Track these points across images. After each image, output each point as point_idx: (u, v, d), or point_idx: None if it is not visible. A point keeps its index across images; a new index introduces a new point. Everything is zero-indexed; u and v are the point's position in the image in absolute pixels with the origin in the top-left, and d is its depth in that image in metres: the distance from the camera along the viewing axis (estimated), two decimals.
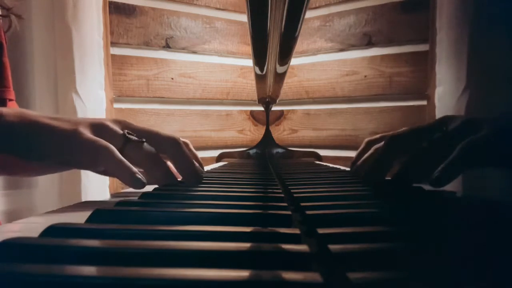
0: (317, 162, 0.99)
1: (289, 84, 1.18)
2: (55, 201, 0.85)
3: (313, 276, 0.12)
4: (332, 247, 0.15)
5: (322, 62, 1.14)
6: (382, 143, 0.40)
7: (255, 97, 0.99)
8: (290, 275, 0.13)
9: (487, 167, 0.35)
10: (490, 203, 0.28)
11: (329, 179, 0.43)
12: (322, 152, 1.08)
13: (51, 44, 0.85)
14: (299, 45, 1.11)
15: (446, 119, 0.38)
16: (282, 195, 0.30)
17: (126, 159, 0.35)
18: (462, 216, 0.23)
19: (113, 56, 0.99)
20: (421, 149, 0.36)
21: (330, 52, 1.12)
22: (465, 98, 0.79)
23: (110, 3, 0.98)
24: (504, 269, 0.13)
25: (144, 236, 0.18)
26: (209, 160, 1.06)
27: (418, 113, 0.98)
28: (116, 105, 1.00)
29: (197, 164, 0.40)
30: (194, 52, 1.11)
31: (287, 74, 0.74)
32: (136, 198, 0.29)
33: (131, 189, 0.40)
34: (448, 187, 0.34)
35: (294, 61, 1.13)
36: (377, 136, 0.51)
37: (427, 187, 0.36)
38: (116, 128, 0.36)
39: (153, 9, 1.05)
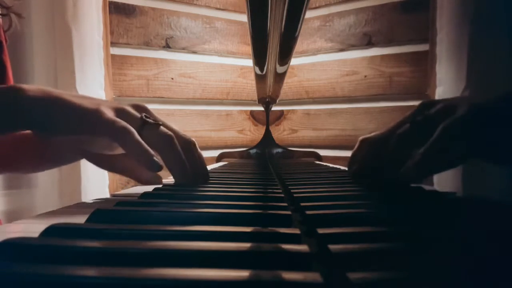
0: (317, 162, 0.99)
1: (289, 84, 1.18)
2: (55, 201, 0.85)
3: (313, 276, 0.12)
4: (332, 247, 0.15)
5: (322, 62, 1.14)
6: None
7: (255, 97, 0.99)
8: (290, 275, 0.13)
9: (468, 157, 0.35)
10: (490, 203, 0.28)
11: (329, 179, 0.43)
12: (322, 152, 1.08)
13: (51, 43, 0.85)
14: (299, 45, 1.11)
15: (425, 105, 0.38)
16: (282, 195, 0.30)
17: (144, 142, 0.35)
18: (462, 216, 0.23)
19: (113, 56, 0.99)
20: (401, 136, 0.36)
21: (330, 52, 1.12)
22: None
23: (110, 3, 0.98)
24: (504, 269, 0.13)
25: (144, 236, 0.18)
26: (209, 160, 1.06)
27: None
28: None
29: (206, 169, 0.40)
30: (194, 52, 1.11)
31: (287, 74, 0.74)
32: (136, 198, 0.29)
33: (131, 189, 0.40)
34: (448, 187, 0.34)
35: (294, 61, 1.13)
36: (372, 134, 0.51)
37: (427, 187, 0.36)
38: (134, 112, 0.36)
39: (153, 9, 1.05)
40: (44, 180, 0.85)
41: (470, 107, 0.32)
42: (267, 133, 1.07)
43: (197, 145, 0.40)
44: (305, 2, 0.41)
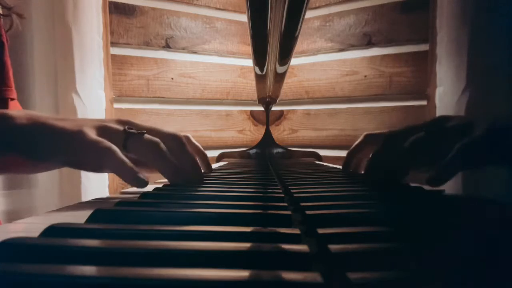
0: (317, 162, 0.99)
1: (289, 84, 1.18)
2: (55, 201, 0.85)
3: (313, 276, 0.12)
4: (332, 247, 0.15)
5: (322, 62, 1.14)
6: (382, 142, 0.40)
7: (255, 97, 0.99)
8: (290, 275, 0.13)
9: (483, 167, 0.35)
10: (490, 203, 0.28)
11: (329, 179, 0.43)
12: (322, 152, 1.08)
13: (51, 44, 0.85)
14: (299, 45, 1.11)
15: (442, 118, 0.38)
16: (282, 195, 0.30)
17: (130, 153, 0.36)
18: (462, 216, 0.23)
19: (113, 56, 0.99)
20: (416, 143, 0.36)
21: (330, 52, 1.12)
22: (465, 98, 0.79)
23: (110, 3, 0.98)
24: (504, 269, 0.13)
25: (144, 236, 0.18)
26: (209, 160, 1.06)
27: (418, 113, 0.98)
28: (116, 105, 1.00)
29: (198, 163, 0.40)
30: (194, 52, 1.11)
31: (287, 74, 0.74)
32: (136, 198, 0.29)
33: (130, 189, 0.40)
34: (449, 187, 0.34)
35: (294, 61, 1.13)
36: (377, 131, 0.51)
37: (427, 187, 0.36)
38: (117, 126, 0.37)
39: (153, 9, 1.05)
40: (44, 180, 0.85)
41: (486, 128, 0.32)
42: (267, 133, 1.07)
43: (190, 138, 0.40)
44: (305, 2, 0.41)
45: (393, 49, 1.02)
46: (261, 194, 0.32)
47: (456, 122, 0.36)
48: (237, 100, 1.18)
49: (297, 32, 0.49)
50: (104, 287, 0.12)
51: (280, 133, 1.21)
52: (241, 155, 1.07)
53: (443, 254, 0.15)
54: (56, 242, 0.16)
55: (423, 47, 0.96)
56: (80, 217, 0.23)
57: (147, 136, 0.36)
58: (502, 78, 0.74)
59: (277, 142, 1.08)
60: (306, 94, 1.17)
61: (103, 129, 0.36)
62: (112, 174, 0.93)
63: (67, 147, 0.34)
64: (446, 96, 0.85)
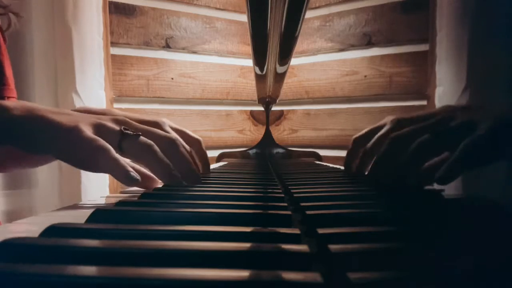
0: (317, 162, 0.99)
1: (289, 84, 1.18)
2: (55, 201, 0.85)
3: (313, 276, 0.12)
4: (332, 247, 0.15)
5: (322, 62, 1.14)
6: (386, 142, 0.40)
7: (255, 97, 0.99)
8: (290, 275, 0.13)
9: (489, 165, 0.35)
10: (490, 203, 0.28)
11: (329, 179, 0.43)
12: (322, 152, 1.08)
13: (51, 44, 0.85)
14: (299, 45, 1.11)
15: (446, 116, 0.38)
16: (282, 195, 0.30)
17: (125, 154, 0.36)
18: (462, 216, 0.23)
19: (113, 56, 0.99)
20: (422, 146, 0.36)
21: (330, 52, 1.12)
22: (465, 98, 0.79)
23: (110, 3, 0.98)
24: (504, 269, 0.13)
25: (144, 236, 0.18)
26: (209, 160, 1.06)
27: None
28: (116, 105, 1.00)
29: (193, 164, 0.40)
30: (194, 52, 1.11)
31: (287, 74, 0.74)
32: (136, 198, 0.29)
33: (130, 189, 0.40)
34: (449, 187, 0.34)
35: (294, 61, 1.13)
36: (363, 132, 0.50)
37: (427, 186, 0.36)
38: (114, 125, 0.37)
39: (153, 9, 1.05)
40: (44, 180, 0.85)
41: (494, 121, 0.32)
42: (267, 133, 1.07)
43: (179, 142, 0.40)
44: (305, 2, 0.41)
45: (393, 49, 1.02)
46: (261, 194, 0.32)
47: (461, 120, 0.36)
48: (237, 100, 1.18)
49: (297, 32, 0.49)
50: (104, 287, 0.12)
51: (280, 133, 1.21)
52: (241, 155, 1.07)
53: (442, 254, 0.15)
54: (56, 242, 0.16)
55: (423, 47, 0.96)
56: (80, 217, 0.23)
57: (142, 138, 0.37)
58: (502, 78, 0.74)
59: (277, 142, 1.08)
60: (306, 94, 1.17)
61: (99, 127, 0.36)
62: None
63: (62, 142, 0.34)
64: (446, 96, 0.85)
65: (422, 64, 0.97)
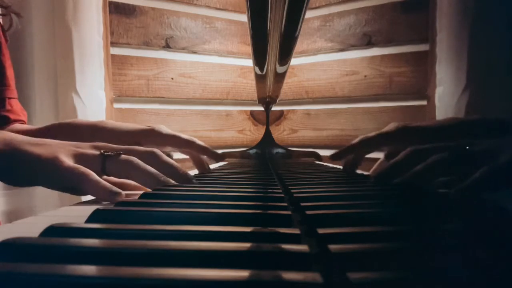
0: (317, 162, 0.99)
1: (289, 84, 1.18)
2: (55, 201, 0.85)
3: (313, 276, 0.12)
4: (332, 247, 0.15)
5: (322, 62, 1.14)
6: (405, 152, 0.39)
7: (255, 97, 0.99)
8: (290, 275, 0.13)
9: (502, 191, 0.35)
10: (490, 203, 0.28)
11: (329, 179, 0.43)
12: (322, 152, 1.08)
13: (51, 44, 0.85)
14: (299, 45, 1.11)
15: (468, 140, 0.37)
16: (282, 195, 0.30)
17: (112, 174, 0.37)
18: (462, 216, 0.23)
19: (113, 56, 0.99)
20: (438, 163, 0.35)
21: (330, 52, 1.12)
22: (465, 98, 0.79)
23: (110, 3, 0.98)
24: (504, 269, 0.13)
25: (144, 236, 0.18)
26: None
27: (418, 113, 0.98)
28: (116, 105, 1.00)
29: (180, 168, 0.40)
30: (194, 52, 1.11)
31: (287, 74, 0.74)
32: (136, 198, 0.29)
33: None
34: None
35: (294, 61, 1.13)
36: (372, 135, 0.50)
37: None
38: (93, 151, 0.38)
39: (153, 9, 1.05)
40: None
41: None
42: (267, 133, 1.07)
43: (159, 153, 0.41)
44: (305, 2, 0.41)
45: (393, 49, 1.02)
46: (261, 194, 0.32)
47: (484, 147, 0.35)
48: (237, 100, 1.18)
49: (297, 32, 0.49)
50: (104, 287, 0.12)
51: (280, 133, 1.21)
52: (241, 155, 1.07)
53: (442, 254, 0.15)
54: (56, 242, 0.16)
55: (423, 47, 0.97)
56: (80, 217, 0.23)
57: (123, 156, 0.38)
58: (502, 78, 0.74)
59: (277, 142, 1.08)
60: (306, 94, 1.17)
61: (79, 156, 0.37)
62: None
63: (43, 175, 0.35)
64: (446, 96, 0.86)
65: (422, 64, 0.97)
